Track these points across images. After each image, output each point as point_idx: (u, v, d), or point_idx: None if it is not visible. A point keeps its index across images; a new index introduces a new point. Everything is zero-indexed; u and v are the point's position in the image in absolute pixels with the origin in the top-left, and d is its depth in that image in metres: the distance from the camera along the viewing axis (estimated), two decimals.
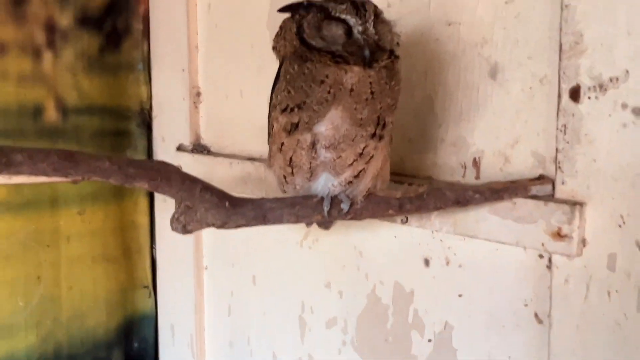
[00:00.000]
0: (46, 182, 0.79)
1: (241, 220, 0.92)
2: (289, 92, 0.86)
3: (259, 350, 1.46)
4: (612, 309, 0.87)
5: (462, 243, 1.06)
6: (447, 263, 1.09)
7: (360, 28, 0.84)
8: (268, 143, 0.95)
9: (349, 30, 0.85)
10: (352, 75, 0.84)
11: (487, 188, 0.93)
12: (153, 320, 1.71)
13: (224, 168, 1.43)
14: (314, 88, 0.84)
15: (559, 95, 0.91)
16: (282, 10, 0.89)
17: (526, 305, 0.99)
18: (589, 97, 0.88)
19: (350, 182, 0.91)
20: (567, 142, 0.91)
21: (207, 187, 0.88)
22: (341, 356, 1.27)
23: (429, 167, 1.11)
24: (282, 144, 0.89)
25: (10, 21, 1.40)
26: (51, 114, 1.48)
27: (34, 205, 1.46)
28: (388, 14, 1.09)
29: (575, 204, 0.89)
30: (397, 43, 0.91)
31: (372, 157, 0.89)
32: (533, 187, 0.93)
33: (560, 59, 0.90)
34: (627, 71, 0.84)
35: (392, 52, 0.89)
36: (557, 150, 0.92)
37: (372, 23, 0.85)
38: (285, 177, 0.93)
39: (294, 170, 0.91)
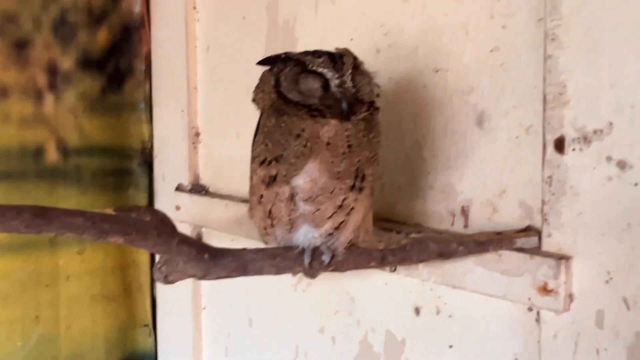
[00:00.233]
0: None
1: (222, 272, 0.91)
2: (266, 145, 0.86)
3: None
4: None
5: (452, 292, 1.03)
6: (438, 312, 1.07)
7: (337, 81, 0.84)
8: (249, 194, 0.95)
9: (326, 84, 0.85)
10: (329, 129, 0.83)
11: (472, 240, 0.91)
12: (153, 359, 1.70)
13: (220, 209, 1.43)
14: (291, 141, 0.83)
15: (544, 146, 0.89)
16: (261, 62, 0.89)
17: (516, 359, 0.96)
18: (574, 149, 0.86)
19: (330, 234, 0.90)
20: (553, 194, 0.88)
21: (184, 240, 0.87)
22: None
23: (418, 214, 1.09)
24: (261, 196, 0.89)
25: (13, 65, 1.43)
26: (52, 155, 1.50)
27: (34, 245, 1.48)
28: (377, 60, 1.10)
29: (561, 258, 0.87)
30: (377, 94, 0.90)
31: (352, 209, 0.88)
32: (519, 239, 0.91)
33: (544, 109, 0.88)
34: (610, 123, 0.82)
35: (371, 103, 0.89)
36: (543, 201, 0.90)
37: (349, 76, 0.85)
38: (265, 228, 0.92)
39: (274, 222, 0.90)
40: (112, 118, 1.60)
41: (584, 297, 0.86)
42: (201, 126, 1.55)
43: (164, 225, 1.04)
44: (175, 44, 1.55)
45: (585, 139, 0.85)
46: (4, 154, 1.42)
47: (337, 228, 0.89)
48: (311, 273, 0.99)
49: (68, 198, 1.52)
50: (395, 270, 1.06)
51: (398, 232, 1.06)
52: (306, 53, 0.87)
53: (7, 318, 1.45)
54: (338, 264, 0.93)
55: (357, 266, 0.93)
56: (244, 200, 1.39)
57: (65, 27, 1.49)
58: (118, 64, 1.61)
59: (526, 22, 0.93)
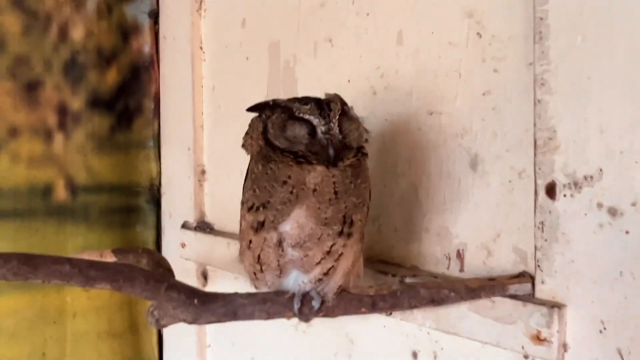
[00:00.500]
0: None
1: (212, 317, 0.91)
2: (254, 191, 0.87)
3: None
4: None
5: (448, 337, 1.02)
6: (435, 357, 1.05)
7: (323, 128, 0.84)
8: (239, 238, 0.95)
9: (313, 130, 0.85)
10: (315, 175, 0.83)
11: (463, 286, 0.90)
12: None
13: (222, 247, 1.43)
14: (277, 188, 0.84)
15: (536, 192, 0.88)
16: (250, 109, 0.90)
17: None
18: (565, 195, 0.85)
19: (320, 280, 0.89)
20: (545, 240, 0.87)
21: (173, 286, 0.87)
22: None
23: (415, 257, 1.08)
24: (250, 241, 0.89)
25: (24, 106, 1.47)
26: (60, 193, 1.53)
27: (41, 283, 1.49)
28: (374, 102, 1.10)
29: (554, 306, 0.85)
30: (366, 140, 0.91)
31: (341, 254, 0.88)
32: (512, 285, 0.90)
33: (535, 154, 0.88)
34: (600, 170, 0.81)
35: (359, 149, 0.89)
36: (535, 247, 0.88)
37: (336, 122, 0.85)
38: (255, 273, 0.92)
39: (263, 268, 0.90)
40: (120, 156, 1.63)
41: (579, 347, 0.84)
42: (207, 164, 1.56)
43: (160, 267, 1.05)
44: (182, 83, 1.58)
45: (576, 185, 0.84)
46: (13, 192, 1.45)
47: (326, 274, 0.89)
48: (304, 317, 0.99)
49: (76, 235, 1.55)
50: (391, 314, 1.05)
51: (394, 275, 1.05)
52: (294, 100, 0.88)
53: (15, 355, 1.47)
54: (328, 310, 0.92)
55: (347, 312, 0.92)
56: None
57: (75, 68, 1.53)
58: (127, 103, 1.64)
59: (517, 66, 0.93)
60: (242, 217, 0.90)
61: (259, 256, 0.89)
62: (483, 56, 0.97)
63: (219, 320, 0.92)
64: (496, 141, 0.96)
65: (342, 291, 0.92)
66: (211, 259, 1.48)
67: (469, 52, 0.99)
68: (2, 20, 1.43)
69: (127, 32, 1.63)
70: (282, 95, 1.28)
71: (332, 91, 0.96)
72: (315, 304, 0.91)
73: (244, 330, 1.47)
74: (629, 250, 0.79)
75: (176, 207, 1.62)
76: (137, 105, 1.66)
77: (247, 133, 0.92)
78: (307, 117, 0.85)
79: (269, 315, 0.93)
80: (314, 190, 0.83)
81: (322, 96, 0.90)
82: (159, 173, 1.68)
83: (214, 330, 1.56)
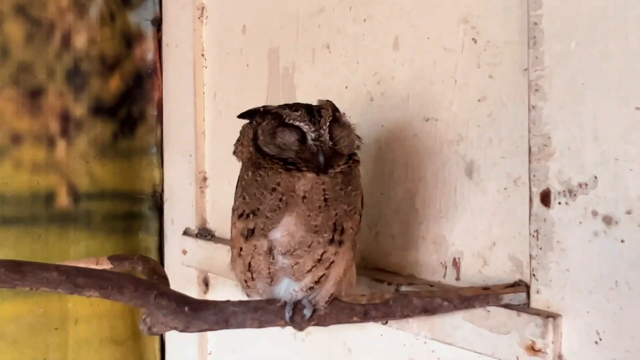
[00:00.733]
0: None
1: (203, 325, 0.91)
2: (244, 198, 0.86)
3: None
4: None
5: (445, 347, 1.00)
6: None
7: (313, 135, 0.84)
8: (230, 246, 0.94)
9: (302, 137, 0.84)
10: (305, 182, 0.83)
11: (457, 296, 0.89)
12: None
13: (223, 254, 1.43)
14: (266, 195, 0.83)
15: (530, 199, 0.86)
16: (241, 116, 0.90)
17: None
18: (559, 203, 0.83)
19: (311, 288, 0.89)
20: (540, 249, 0.86)
21: (163, 293, 0.87)
22: None
23: (411, 265, 1.07)
24: (241, 249, 0.89)
25: (26, 113, 1.47)
26: (63, 200, 1.53)
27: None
28: (371, 108, 1.09)
29: (549, 316, 0.83)
30: (358, 146, 0.90)
31: (332, 262, 0.87)
32: (506, 295, 0.88)
33: (530, 161, 0.86)
34: (595, 177, 0.79)
35: (351, 156, 0.88)
36: (530, 256, 0.87)
37: (326, 129, 0.85)
38: (246, 281, 0.91)
39: (254, 275, 0.89)
40: (123, 163, 1.63)
41: (574, 358, 0.82)
42: (208, 171, 1.56)
43: (154, 274, 1.05)
44: (184, 90, 1.58)
45: (571, 193, 0.82)
46: (15, 199, 1.46)
47: (317, 282, 0.88)
48: (298, 326, 0.98)
49: (78, 242, 1.55)
50: (386, 323, 1.04)
51: (389, 284, 1.04)
52: (284, 106, 0.87)
53: None
54: (320, 319, 0.91)
55: (339, 321, 0.91)
56: None
57: (78, 75, 1.54)
58: (130, 109, 1.65)
59: (512, 72, 0.92)
60: (233, 224, 0.89)
61: (249, 264, 0.88)
62: (478, 62, 0.96)
63: (211, 328, 0.92)
64: (492, 148, 0.95)
65: (334, 300, 0.91)
66: (212, 265, 1.47)
67: (464, 57, 0.98)
68: (5, 28, 1.44)
69: (130, 39, 1.64)
70: (282, 102, 1.27)
71: (330, 98, 0.95)
72: (307, 312, 0.90)
73: (244, 339, 1.46)
74: (625, 259, 0.77)
75: (178, 213, 1.62)
76: (140, 112, 1.67)
77: (238, 140, 0.91)
78: (297, 123, 0.84)
79: (261, 324, 0.92)
80: (304, 197, 0.83)
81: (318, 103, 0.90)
82: (162, 180, 1.68)
83: (215, 338, 1.56)
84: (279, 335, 1.35)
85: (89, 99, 1.56)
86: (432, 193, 1.03)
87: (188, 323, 0.90)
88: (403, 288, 1.01)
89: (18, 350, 1.48)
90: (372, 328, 1.12)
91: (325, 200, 0.83)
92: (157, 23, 1.66)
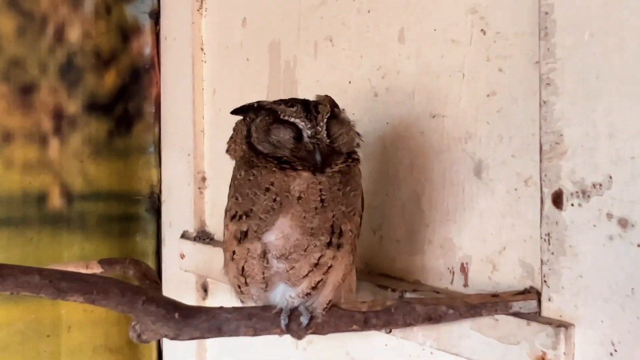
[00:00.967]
0: None
1: (194, 332, 0.90)
2: (236, 198, 0.86)
3: None
4: None
5: (452, 357, 0.99)
6: None
7: (309, 132, 0.83)
8: (223, 249, 0.94)
9: (298, 134, 0.84)
10: (300, 182, 0.82)
11: (463, 303, 0.88)
12: None
13: (222, 258, 1.42)
14: (260, 196, 0.83)
15: (542, 200, 0.85)
16: (234, 112, 0.90)
17: None
18: (572, 204, 0.82)
19: (308, 294, 0.88)
20: (552, 254, 0.84)
21: (152, 299, 0.86)
22: None
23: (417, 270, 1.06)
24: (234, 252, 0.88)
25: (18, 110, 1.48)
26: (56, 201, 1.54)
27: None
28: (375, 104, 1.09)
29: (560, 326, 0.82)
30: (358, 144, 0.89)
31: (330, 267, 0.86)
32: (516, 302, 0.87)
33: (541, 160, 0.85)
34: (610, 177, 0.78)
35: (350, 154, 0.87)
36: (542, 261, 0.85)
37: (324, 125, 0.84)
38: (239, 287, 0.91)
39: (248, 280, 0.89)
40: (119, 162, 1.64)
41: None
42: (207, 171, 1.56)
43: (146, 279, 1.05)
44: (183, 86, 1.58)
45: (584, 194, 0.81)
46: (6, 199, 1.47)
47: (315, 287, 0.87)
48: (296, 334, 0.97)
49: (72, 245, 1.56)
50: (390, 331, 1.03)
51: (393, 290, 1.03)
52: (279, 102, 0.87)
53: None
54: (318, 327, 0.90)
55: (338, 329, 0.90)
56: None
57: (72, 70, 1.55)
58: (127, 106, 1.66)
59: (523, 65, 0.90)
60: (226, 226, 0.89)
61: (243, 268, 0.88)
62: (487, 54, 0.95)
63: (203, 336, 0.91)
64: (501, 146, 0.93)
65: (332, 307, 0.90)
66: (211, 270, 1.47)
67: (473, 50, 0.97)
68: None
69: (126, 32, 1.64)
70: (283, 97, 1.27)
71: (332, 93, 0.94)
72: (304, 320, 0.89)
73: (244, 346, 1.46)
74: None
75: (176, 215, 1.62)
76: (137, 109, 1.67)
77: (231, 137, 0.91)
78: (292, 120, 0.84)
79: (256, 332, 0.92)
80: (299, 198, 0.82)
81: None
82: (160, 180, 1.69)
83: (214, 346, 1.55)
84: (280, 344, 1.34)
85: (83, 96, 1.57)
86: (439, 194, 1.02)
87: (179, 330, 0.90)
88: (408, 295, 1.00)
89: (9, 358, 1.48)
90: (376, 337, 1.11)
91: (322, 201, 0.82)
92: (155, 16, 1.67)
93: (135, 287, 0.89)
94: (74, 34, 1.54)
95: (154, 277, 1.07)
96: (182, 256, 1.56)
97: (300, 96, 1.17)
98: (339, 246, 0.85)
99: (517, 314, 0.87)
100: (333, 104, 0.88)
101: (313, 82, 1.25)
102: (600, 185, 0.79)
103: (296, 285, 0.87)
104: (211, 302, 1.53)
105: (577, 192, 0.81)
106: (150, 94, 1.68)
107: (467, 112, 0.98)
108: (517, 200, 0.92)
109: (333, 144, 0.85)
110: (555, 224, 0.84)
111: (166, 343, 1.68)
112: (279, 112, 0.85)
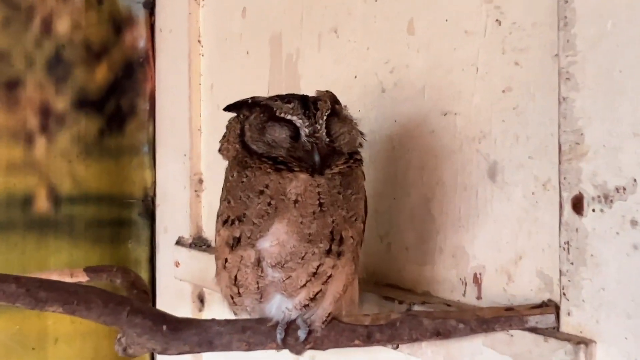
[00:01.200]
0: None
1: (184, 346, 0.90)
2: (229, 202, 0.85)
3: None
4: None
5: None
6: None
7: (307, 130, 0.82)
8: (214, 257, 0.94)
9: (295, 133, 0.83)
10: (297, 185, 0.82)
11: (474, 317, 0.87)
12: None
13: None
14: (253, 199, 0.82)
15: (561, 206, 0.84)
16: (227, 109, 0.89)
17: None
18: (594, 210, 0.81)
19: (306, 306, 0.87)
20: (572, 264, 0.83)
21: (137, 310, 0.86)
22: None
23: (427, 281, 1.05)
24: (226, 260, 0.88)
25: (2, 107, 1.49)
26: (42, 204, 1.54)
27: None
28: (382, 100, 1.08)
29: (580, 342, 0.81)
30: (361, 144, 0.88)
31: (330, 277, 0.86)
32: (532, 317, 0.86)
33: (560, 162, 0.84)
34: (634, 180, 0.77)
35: (352, 155, 0.87)
36: (560, 272, 0.84)
37: (323, 123, 0.83)
38: (232, 297, 0.90)
39: (241, 291, 0.88)
40: (110, 163, 1.64)
41: None
42: (205, 172, 1.56)
43: (134, 288, 1.05)
44: (178, 81, 1.58)
45: (607, 198, 0.79)
46: None
47: (313, 299, 0.87)
48: (294, 349, 0.96)
49: (59, 251, 1.56)
50: (397, 347, 1.02)
51: (400, 302, 1.02)
52: (275, 98, 0.86)
53: None
54: (316, 341, 0.90)
55: (338, 344, 0.90)
56: None
57: (60, 64, 1.55)
58: (119, 103, 1.66)
59: (541, 58, 0.89)
60: (217, 232, 0.89)
61: (235, 277, 0.87)
62: (503, 47, 0.94)
63: (192, 350, 0.91)
64: (518, 146, 0.93)
65: (332, 320, 0.89)
66: (206, 279, 1.46)
67: (488, 42, 0.96)
68: None
69: (119, 24, 1.65)
70: (285, 93, 1.27)
71: (337, 89, 0.94)
72: (301, 334, 0.89)
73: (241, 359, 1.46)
74: None
75: (171, 220, 1.62)
76: (130, 105, 1.67)
77: (224, 136, 0.90)
78: (289, 117, 0.83)
79: (250, 346, 0.91)
80: (296, 201, 0.81)
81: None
82: (154, 182, 1.69)
83: (211, 358, 1.55)
84: (281, 359, 1.33)
85: (72, 91, 1.57)
86: (450, 198, 1.01)
87: (166, 344, 0.90)
88: (416, 307, 0.99)
89: None
90: (382, 353, 1.10)
91: (321, 205, 0.82)
92: (150, 6, 1.67)
93: (120, 297, 0.88)
94: (62, 25, 1.55)
95: (143, 287, 1.06)
96: (177, 264, 1.56)
97: (303, 91, 1.17)
98: (339, 254, 0.85)
99: (533, 330, 0.86)
100: (334, 100, 0.88)
101: (317, 76, 1.24)
102: (624, 189, 0.78)
103: (293, 296, 0.86)
104: (208, 314, 1.53)
105: (598, 196, 0.80)
106: (144, 89, 1.68)
107: (481, 109, 0.97)
108: (535, 206, 0.91)
109: (333, 143, 0.85)
110: (575, 232, 0.83)
111: (159, 357, 1.68)
112: (275, 109, 0.84)
